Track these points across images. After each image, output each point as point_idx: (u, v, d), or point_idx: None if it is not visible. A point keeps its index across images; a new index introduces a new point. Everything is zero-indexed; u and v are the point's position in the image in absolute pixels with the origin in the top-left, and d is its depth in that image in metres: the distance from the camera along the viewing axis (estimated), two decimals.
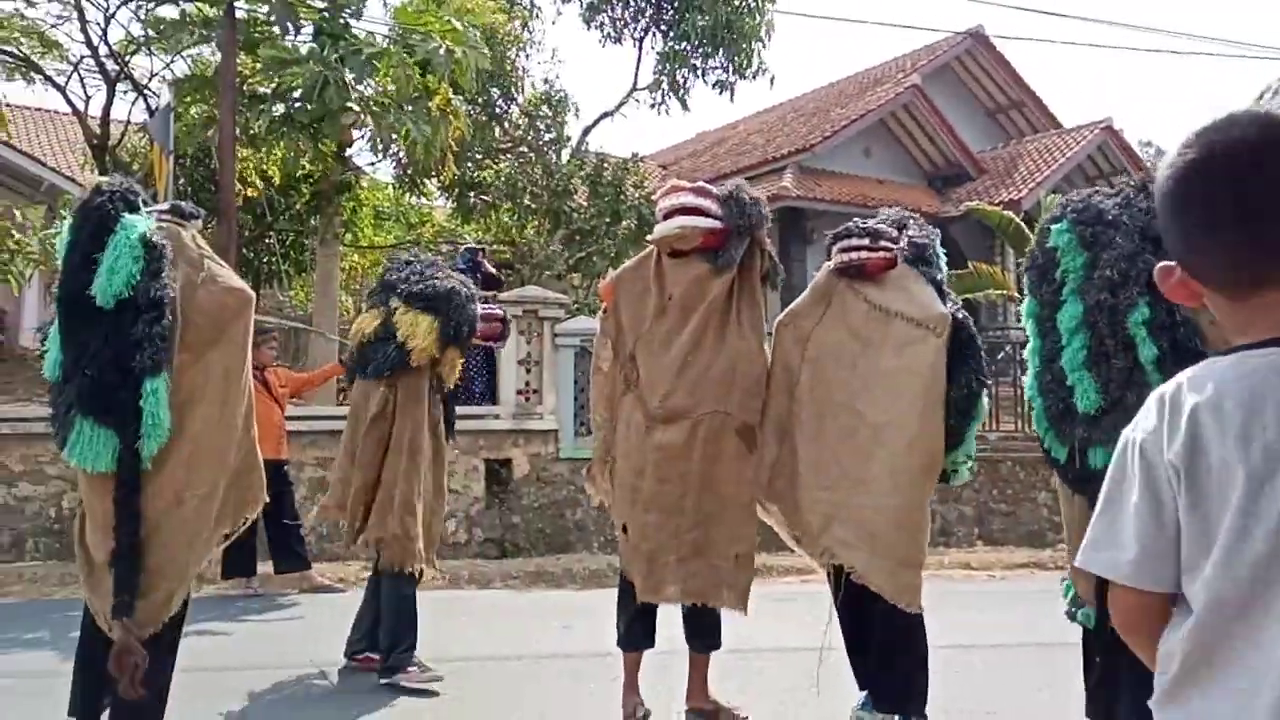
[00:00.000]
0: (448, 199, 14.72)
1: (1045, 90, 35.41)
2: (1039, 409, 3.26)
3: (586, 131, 15.83)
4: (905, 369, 3.80)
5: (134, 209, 3.14)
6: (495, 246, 12.99)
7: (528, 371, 9.60)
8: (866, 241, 4.03)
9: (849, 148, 17.65)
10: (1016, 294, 14.34)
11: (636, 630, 4.08)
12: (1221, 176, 1.17)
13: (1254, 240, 1.16)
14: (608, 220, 11.58)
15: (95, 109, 12.19)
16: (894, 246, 4.05)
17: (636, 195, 11.98)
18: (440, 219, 16.22)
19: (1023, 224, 13.96)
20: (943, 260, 4.10)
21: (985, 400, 3.93)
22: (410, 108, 9.10)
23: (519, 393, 9.63)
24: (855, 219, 4.37)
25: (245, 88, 9.70)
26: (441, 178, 11.84)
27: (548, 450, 9.52)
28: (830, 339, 4.01)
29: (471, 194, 13.32)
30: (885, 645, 3.81)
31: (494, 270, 10.56)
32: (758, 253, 4.17)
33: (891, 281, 3.99)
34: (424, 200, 14.62)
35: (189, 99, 10.27)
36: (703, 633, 4.20)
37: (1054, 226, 3.19)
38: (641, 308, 4.10)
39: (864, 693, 4.04)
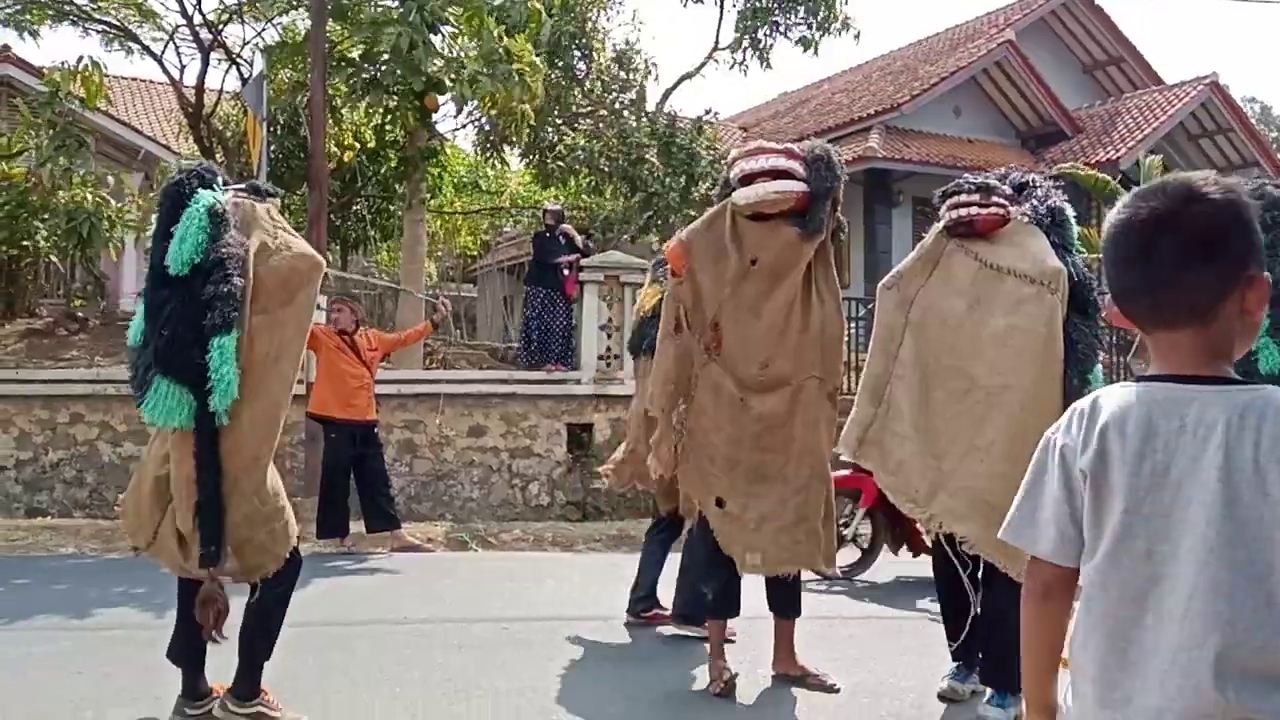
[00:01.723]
0: (527, 164, 14.75)
1: (1146, 45, 33.85)
2: None
3: (667, 94, 15.64)
4: (1019, 328, 3.67)
5: (208, 185, 3.29)
6: (573, 211, 13.00)
7: (609, 336, 9.63)
8: (977, 197, 3.90)
9: (938, 107, 17.13)
10: None
11: (726, 599, 4.08)
12: (1136, 239, 1.40)
13: (1152, 295, 1.41)
14: (682, 183, 11.48)
15: (190, 78, 12.50)
16: (1006, 202, 3.92)
17: (710, 157, 11.84)
18: (517, 186, 16.26)
19: (1119, 186, 13.42)
20: (1073, 223, 3.93)
21: (1099, 368, 3.79)
22: (490, 71, 9.10)
23: (600, 358, 9.67)
24: (966, 175, 4.23)
25: (335, 52, 9.84)
26: (519, 142, 11.85)
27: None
28: (936, 301, 3.89)
29: (550, 159, 13.32)
30: (994, 616, 3.68)
31: (574, 234, 10.57)
32: (833, 212, 4.09)
33: (1005, 238, 3.85)
34: (503, 166, 14.69)
35: (280, 66, 10.44)
36: (791, 599, 4.19)
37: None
38: (720, 272, 4.00)
39: (956, 663, 3.98)
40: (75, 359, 9.82)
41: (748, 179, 4.00)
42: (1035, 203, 3.92)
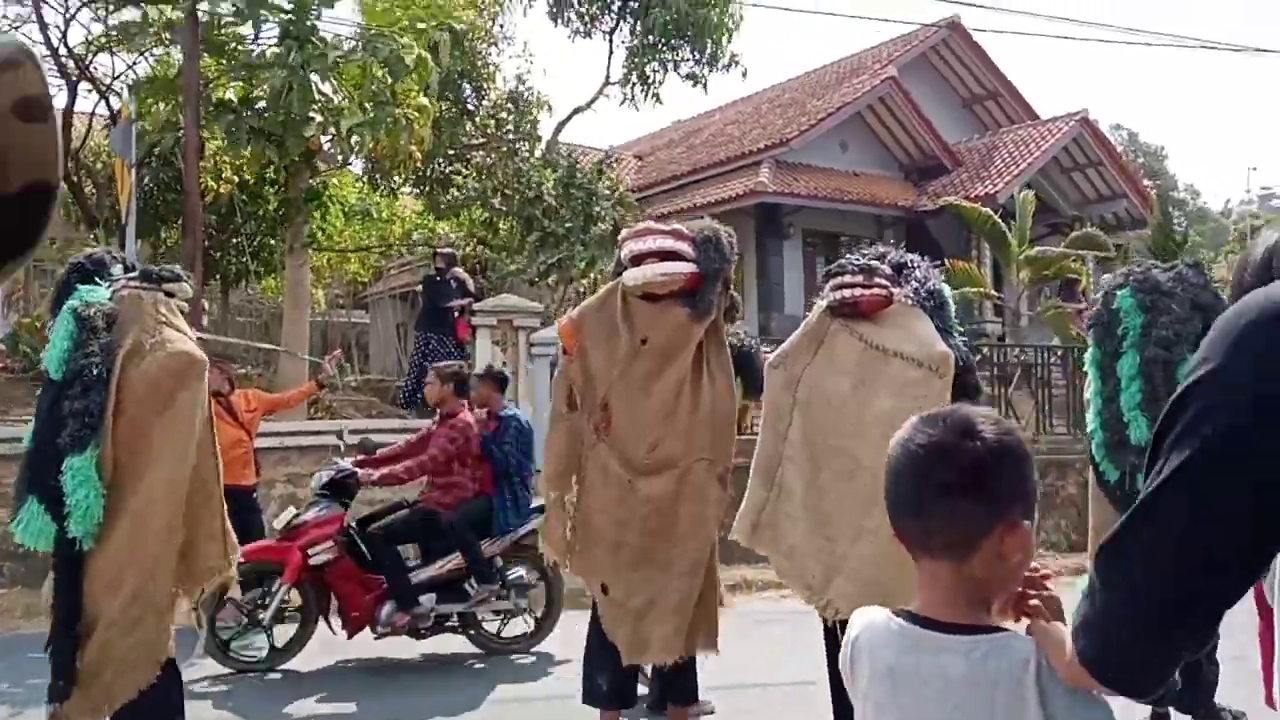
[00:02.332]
0: (417, 196, 14.49)
1: (1021, 80, 35.46)
2: (1099, 439, 4.06)
3: (560, 127, 15.62)
4: (905, 410, 3.67)
5: (90, 279, 3.10)
6: (466, 249, 12.78)
7: None
8: (861, 278, 3.94)
9: (825, 141, 17.51)
10: (993, 291, 14.32)
11: (615, 689, 4.01)
12: (911, 464, 1.45)
13: (920, 521, 1.45)
14: (581, 223, 11.41)
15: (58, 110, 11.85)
16: (888, 283, 3.96)
17: (611, 198, 11.81)
18: (410, 214, 15.96)
19: (999, 220, 13.92)
20: (952, 305, 4.01)
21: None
22: (374, 113, 8.88)
23: None
24: (847, 255, 4.29)
25: (209, 90, 9.46)
26: (405, 177, 11.59)
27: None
28: (822, 381, 3.91)
29: (441, 194, 13.11)
30: None
31: (466, 277, 10.41)
32: (724, 291, 4.10)
33: (888, 319, 3.88)
34: (392, 198, 14.39)
35: (151, 100, 10.00)
36: (686, 684, 4.14)
37: (1119, 292, 4.09)
38: (612, 351, 3.97)
39: None
40: None
41: (637, 259, 3.98)
42: (916, 284, 3.96)
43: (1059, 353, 11.90)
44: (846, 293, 3.96)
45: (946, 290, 4.03)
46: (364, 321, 22.29)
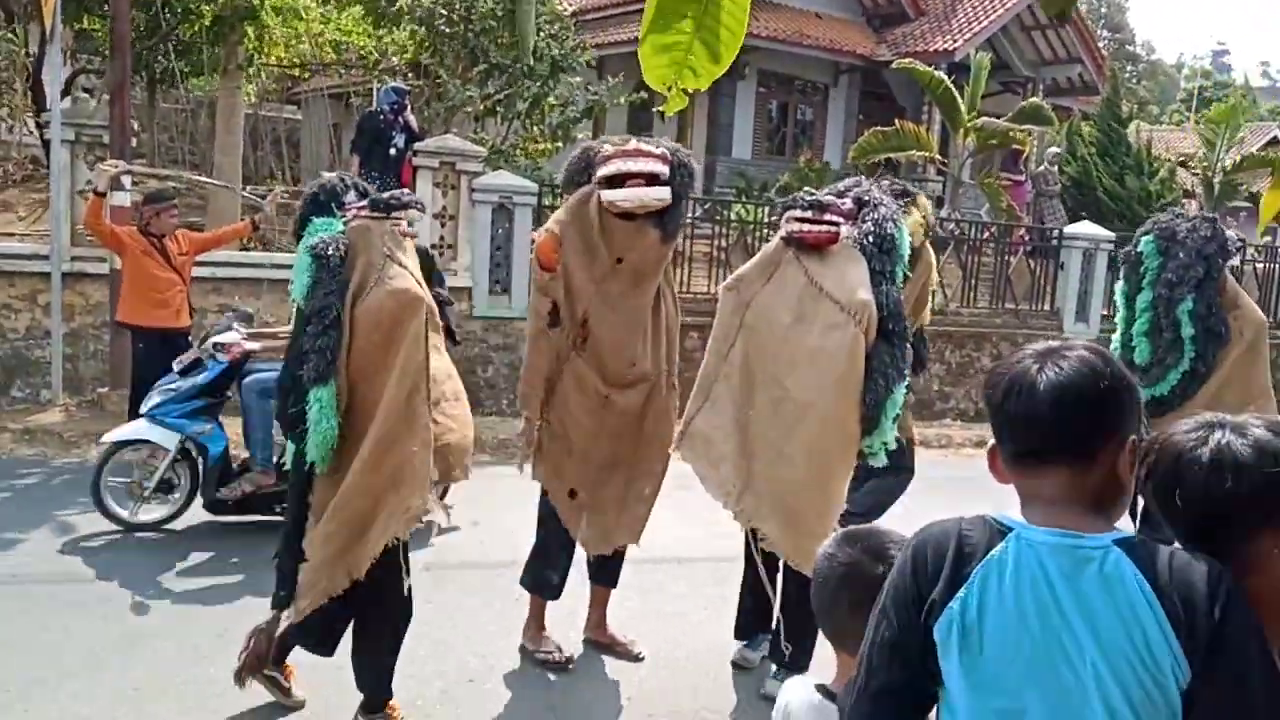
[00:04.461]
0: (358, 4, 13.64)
1: None
2: (1117, 358, 4.44)
3: None
4: (826, 351, 3.86)
5: (325, 209, 3.23)
6: (406, 76, 12.23)
7: (442, 226, 9.36)
8: (810, 213, 4.01)
9: None
10: (938, 156, 14.35)
11: (559, 581, 4.29)
12: (826, 577, 1.80)
13: (829, 625, 1.85)
14: (529, 57, 10.97)
15: None
16: (840, 220, 4.03)
17: (548, 30, 11.29)
18: (347, 19, 15.06)
19: (950, 85, 13.78)
20: (905, 245, 4.07)
21: (901, 393, 4.06)
22: None
23: (433, 247, 9.41)
24: (806, 189, 4.33)
25: None
26: None
27: (461, 307, 9.43)
28: (768, 308, 4.03)
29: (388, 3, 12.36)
30: (787, 604, 4.01)
31: (413, 121, 10.02)
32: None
33: (831, 258, 3.98)
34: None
35: None
36: (615, 569, 4.45)
37: (1144, 237, 4.81)
38: (590, 268, 4.02)
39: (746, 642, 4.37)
40: None
41: (619, 179, 3.95)
42: (870, 226, 4.04)
43: (992, 229, 12.11)
44: (795, 227, 4.04)
45: (900, 235, 4.09)
46: (295, 118, 21.40)
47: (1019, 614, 1.35)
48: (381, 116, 9.73)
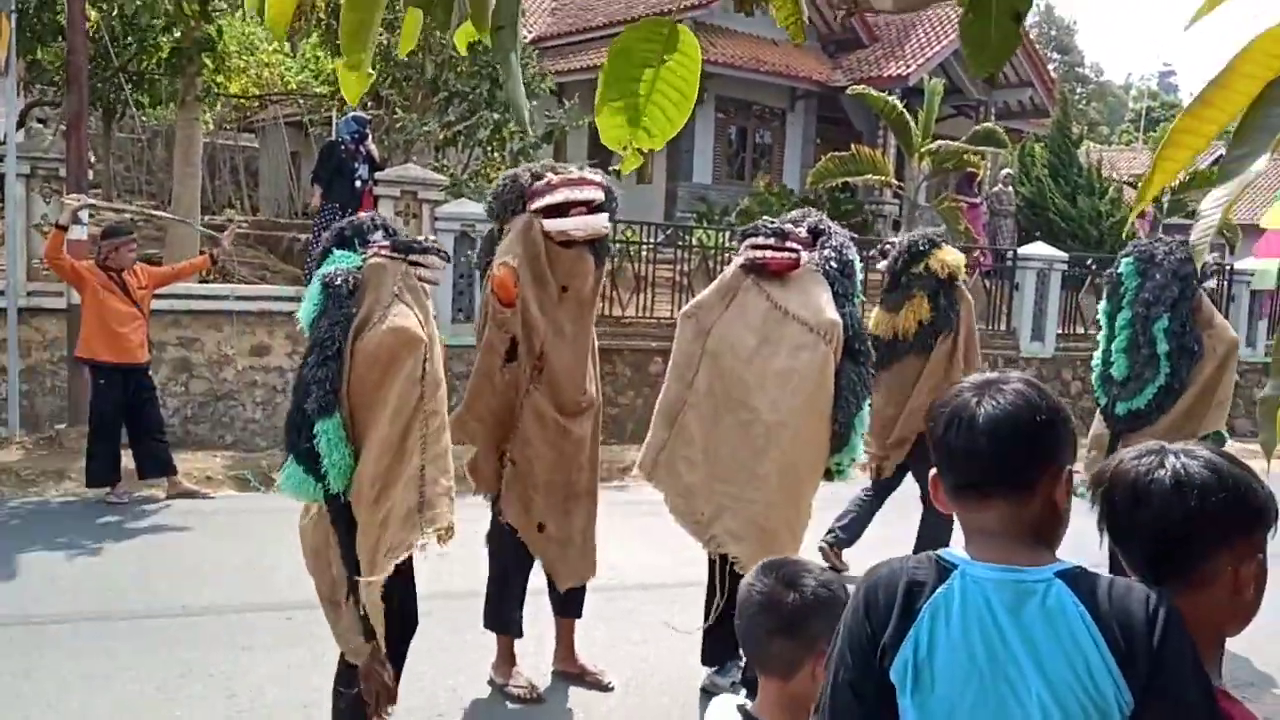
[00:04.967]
0: (313, 31, 13.64)
1: None
2: (1097, 373, 5.15)
3: None
4: (797, 371, 3.97)
5: (349, 245, 3.26)
6: (365, 105, 12.24)
7: None
8: (773, 241, 4.13)
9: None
10: (894, 180, 14.59)
11: (520, 616, 4.31)
12: (747, 610, 1.95)
13: (753, 651, 2.00)
14: (488, 86, 11.05)
15: None
16: (799, 247, 4.15)
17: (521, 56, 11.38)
18: (305, 49, 15.06)
19: (904, 111, 14.04)
20: (858, 266, 4.25)
21: (867, 410, 4.18)
22: None
23: None
24: (765, 217, 4.46)
25: None
26: (308, 28, 10.90)
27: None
28: (731, 334, 4.13)
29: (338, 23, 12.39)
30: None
31: (374, 150, 10.04)
32: None
33: (794, 282, 4.11)
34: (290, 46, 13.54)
35: None
36: (579, 600, 4.46)
37: (1124, 259, 5.09)
38: (542, 300, 4.06)
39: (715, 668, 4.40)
40: None
41: (562, 208, 4.01)
42: (830, 252, 4.17)
43: None
44: (757, 253, 4.15)
45: (855, 261, 4.26)
46: (253, 146, 21.30)
47: (967, 650, 1.40)
48: (343, 146, 9.74)
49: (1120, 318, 5.04)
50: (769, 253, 4.13)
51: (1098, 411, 5.26)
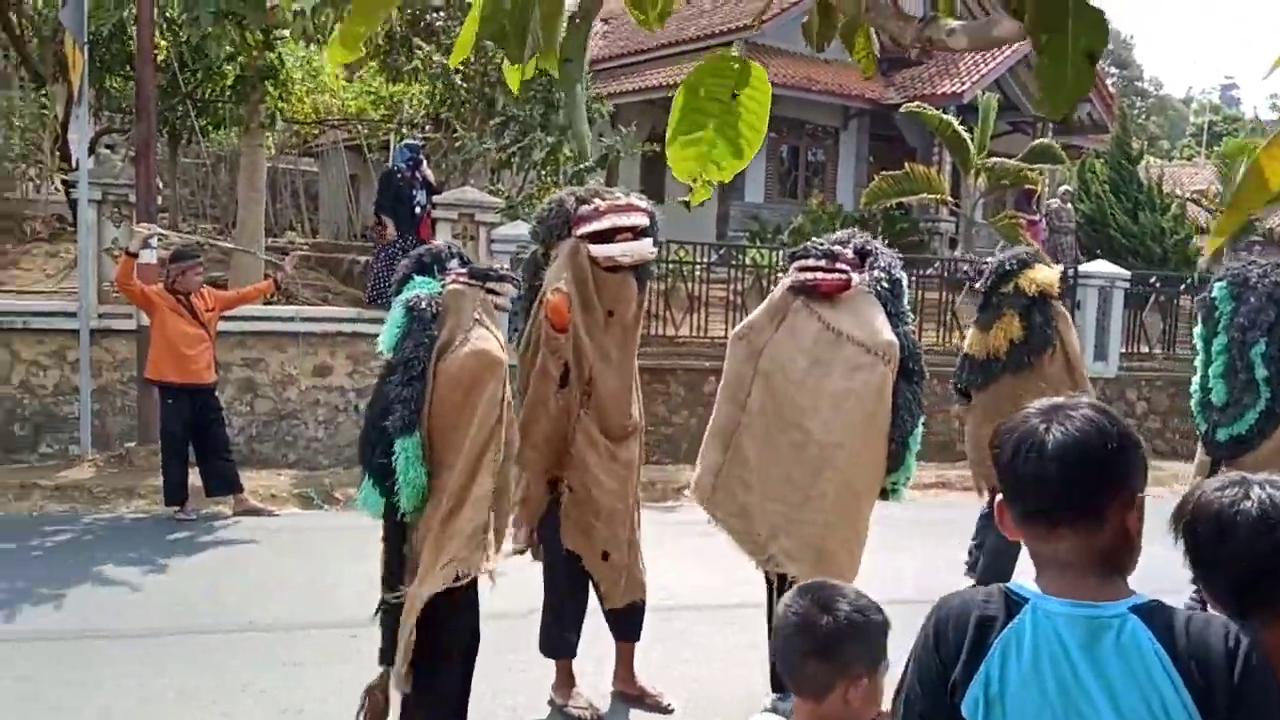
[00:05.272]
0: (374, 57, 13.92)
1: None
2: (1196, 399, 5.08)
3: None
4: (853, 392, 3.96)
5: (428, 271, 3.38)
6: (423, 129, 12.46)
7: None
8: (824, 263, 4.12)
9: (794, 23, 17.12)
10: (950, 198, 14.46)
11: (577, 638, 4.33)
12: (782, 632, 1.95)
13: (790, 673, 1.98)
14: (542, 109, 11.18)
15: None
16: (849, 269, 4.15)
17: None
18: (365, 76, 15.39)
19: (959, 128, 13.93)
20: (905, 287, 4.24)
21: (920, 430, 4.15)
22: None
23: None
24: (814, 239, 4.44)
25: None
26: (367, 52, 11.14)
27: None
28: (782, 355, 4.12)
29: (405, 60, 12.63)
30: None
31: (430, 175, 10.22)
32: None
33: (845, 304, 4.09)
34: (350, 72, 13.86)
35: None
36: (637, 622, 4.47)
37: (1218, 284, 5.04)
38: (590, 325, 4.10)
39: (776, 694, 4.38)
40: None
41: (608, 234, 4.05)
42: (880, 273, 4.16)
43: None
44: (809, 275, 4.14)
45: (904, 280, 4.24)
46: (312, 170, 21.77)
47: (1039, 686, 1.38)
48: (399, 174, 9.91)
49: (1216, 343, 4.97)
50: (820, 275, 4.12)
51: (1198, 438, 5.18)
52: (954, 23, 1.37)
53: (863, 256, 4.26)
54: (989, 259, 6.16)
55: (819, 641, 1.88)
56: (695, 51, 17.16)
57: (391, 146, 14.57)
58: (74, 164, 8.83)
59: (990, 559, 5.61)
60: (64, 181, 11.30)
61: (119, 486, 7.34)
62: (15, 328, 8.33)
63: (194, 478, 7.04)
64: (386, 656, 3.32)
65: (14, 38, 11.05)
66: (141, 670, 4.46)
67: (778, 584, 4.14)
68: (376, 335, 10.03)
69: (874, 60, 1.49)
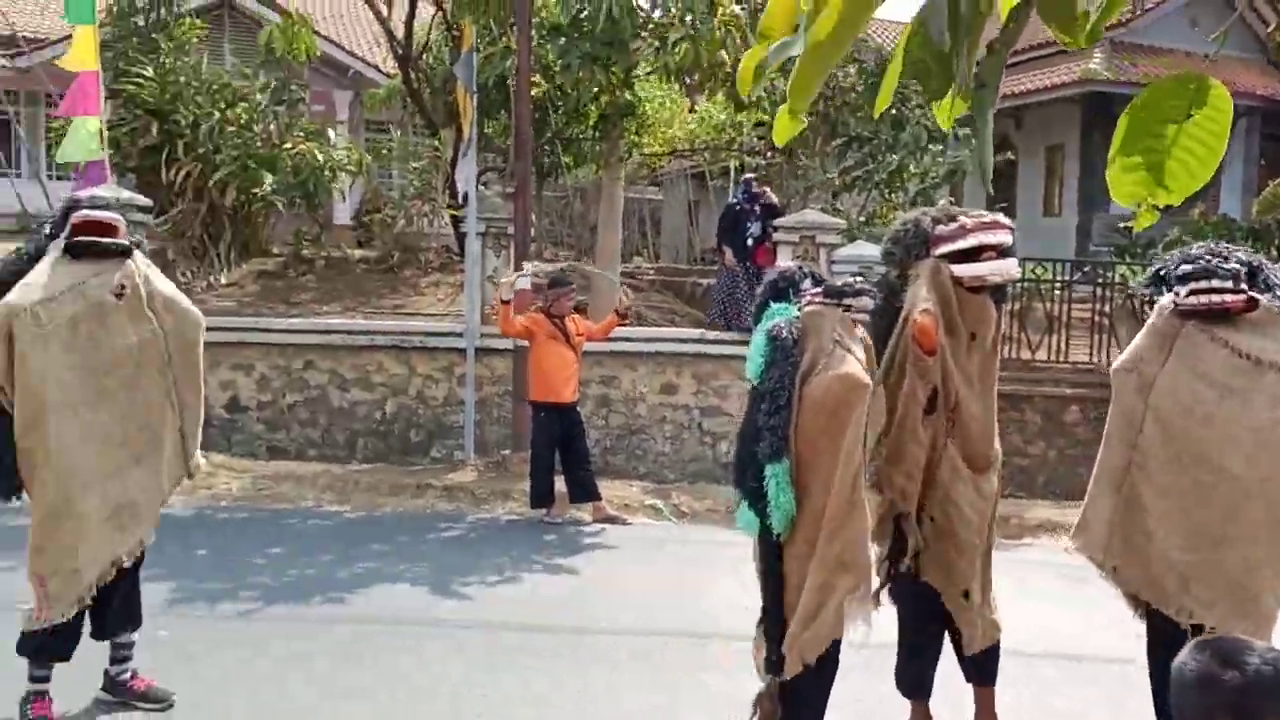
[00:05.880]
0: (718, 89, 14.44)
1: None
2: None
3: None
4: None
5: (784, 295, 3.48)
6: (767, 155, 12.70)
7: None
8: (1230, 284, 3.69)
9: (1172, 18, 15.61)
10: None
11: (933, 676, 4.19)
12: (1180, 688, 1.78)
13: None
14: (889, 127, 11.00)
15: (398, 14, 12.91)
16: (1246, 288, 3.71)
17: (919, 101, 11.23)
18: (711, 106, 16.00)
19: None
20: None
21: None
22: (699, 26, 8.96)
23: None
24: (1206, 254, 3.98)
25: (541, 16, 9.92)
26: (716, 86, 11.58)
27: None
28: (1179, 387, 3.72)
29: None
30: None
31: (774, 200, 10.48)
32: None
33: (1257, 327, 3.64)
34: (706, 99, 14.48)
35: (480, 15, 10.48)
36: (994, 665, 4.25)
37: None
38: (955, 348, 3.97)
39: None
40: (305, 302, 10.63)
41: (972, 253, 3.91)
42: None
43: None
44: (1215, 297, 3.72)
45: None
46: (657, 198, 23.00)
47: None
48: (738, 206, 10.48)
49: None
50: (1227, 296, 3.69)
51: None
52: None
53: (1251, 274, 3.78)
54: None
55: (1228, 697, 1.72)
56: (1049, 56, 16.13)
57: (731, 172, 15.02)
58: (460, 200, 9.95)
59: None
60: (452, 216, 12.79)
61: (496, 490, 8.16)
62: (414, 346, 9.56)
63: (560, 486, 7.66)
64: (774, 666, 3.38)
65: (412, 91, 12.67)
66: (530, 660, 4.85)
67: (1191, 634, 3.76)
68: (719, 355, 10.41)
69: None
